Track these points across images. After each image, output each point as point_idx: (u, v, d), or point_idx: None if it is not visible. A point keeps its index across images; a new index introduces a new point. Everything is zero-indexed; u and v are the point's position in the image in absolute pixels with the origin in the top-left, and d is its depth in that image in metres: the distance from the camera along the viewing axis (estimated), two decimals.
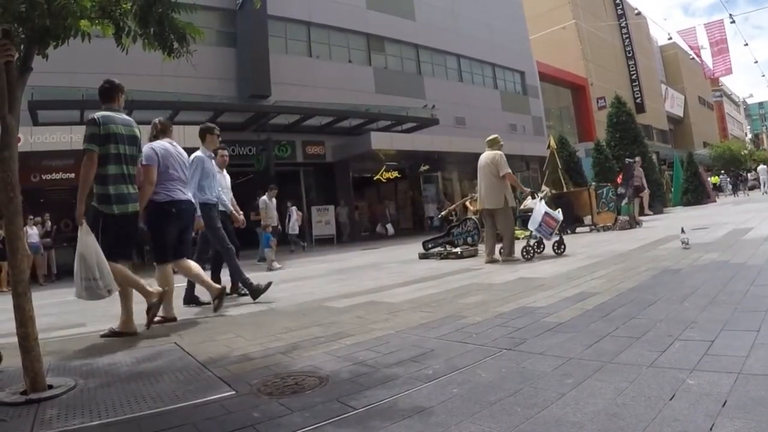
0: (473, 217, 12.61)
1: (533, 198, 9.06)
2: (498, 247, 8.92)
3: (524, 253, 8.47)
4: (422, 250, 11.50)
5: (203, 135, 7.05)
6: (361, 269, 10.04)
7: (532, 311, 4.28)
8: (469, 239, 11.32)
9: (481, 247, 11.27)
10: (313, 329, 4.42)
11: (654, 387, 2.33)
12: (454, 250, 10.60)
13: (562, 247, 8.79)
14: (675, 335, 3.09)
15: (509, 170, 8.77)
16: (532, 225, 8.54)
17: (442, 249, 11.05)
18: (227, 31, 22.96)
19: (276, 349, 3.80)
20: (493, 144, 9.06)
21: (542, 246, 8.84)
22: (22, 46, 3.46)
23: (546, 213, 8.50)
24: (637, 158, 17.41)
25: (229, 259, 6.94)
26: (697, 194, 24.20)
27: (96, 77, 18.30)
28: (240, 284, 7.13)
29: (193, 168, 6.58)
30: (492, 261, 8.67)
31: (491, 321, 4.07)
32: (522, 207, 9.17)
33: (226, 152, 7.77)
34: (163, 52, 3.90)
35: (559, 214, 8.80)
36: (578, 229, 14.31)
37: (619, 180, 16.64)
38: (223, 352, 3.84)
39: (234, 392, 2.87)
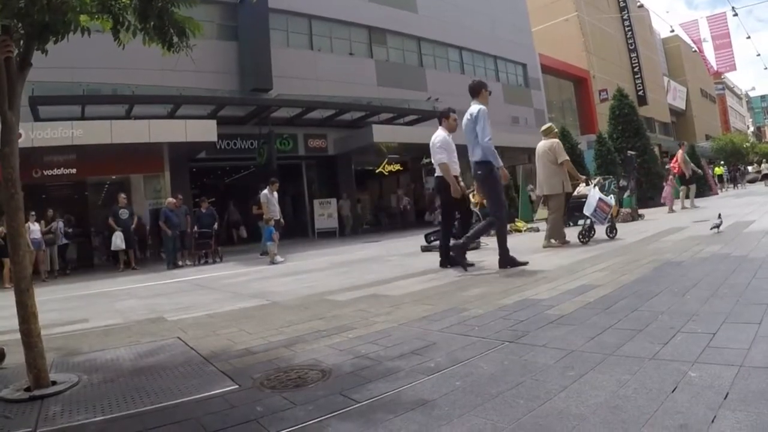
0: (475, 209, 12.59)
1: (587, 185, 9.44)
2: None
3: (580, 237, 8.80)
4: (424, 243, 11.48)
5: (479, 89, 7.01)
6: (363, 262, 10.04)
7: (535, 304, 4.28)
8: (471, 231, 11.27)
9: (485, 240, 11.29)
10: (315, 323, 4.43)
11: (656, 379, 2.33)
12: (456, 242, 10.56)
13: (614, 231, 9.15)
14: (677, 328, 3.09)
15: (567, 158, 9.13)
16: (588, 210, 8.79)
17: None
18: (228, 25, 22.86)
19: (278, 342, 3.81)
20: (548, 133, 9.41)
21: (593, 230, 9.11)
22: (21, 42, 3.46)
23: (600, 199, 8.86)
24: (684, 143, 17.29)
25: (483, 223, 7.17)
26: (699, 187, 24.13)
27: (97, 72, 18.32)
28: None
29: (482, 119, 6.60)
30: (549, 246, 8.86)
31: (493, 313, 4.07)
32: (575, 193, 9.51)
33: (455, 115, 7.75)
34: (163, 46, 3.89)
35: (611, 200, 9.23)
36: (580, 222, 14.27)
37: (674, 167, 16.55)
38: (226, 347, 3.85)
39: (237, 386, 2.88)
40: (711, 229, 7.93)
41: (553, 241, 8.91)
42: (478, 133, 6.61)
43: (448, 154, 7.29)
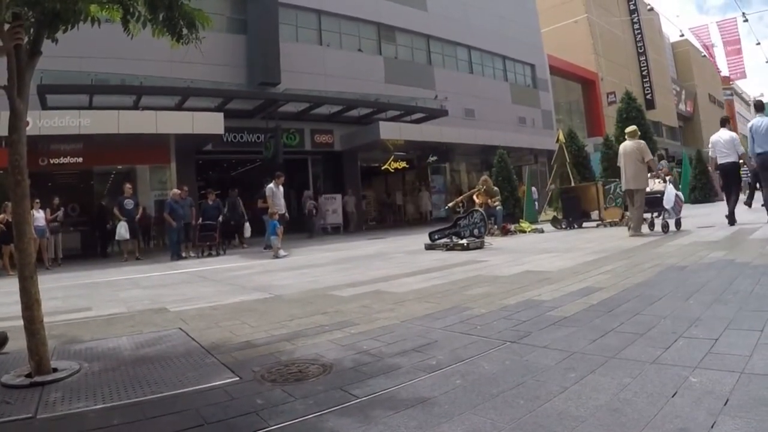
0: (480, 209, 12.58)
1: (664, 182, 10.46)
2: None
3: (663, 228, 9.86)
4: (428, 241, 11.48)
5: (763, 106, 9.80)
6: (367, 259, 10.05)
7: (537, 305, 4.28)
8: (476, 231, 11.27)
9: (488, 239, 11.30)
10: (317, 317, 4.44)
11: (657, 383, 2.33)
12: (461, 241, 10.57)
13: (680, 224, 10.18)
14: (679, 332, 3.08)
15: (652, 157, 10.18)
16: (668, 204, 9.81)
17: (449, 240, 11.02)
18: (237, 18, 22.86)
19: (280, 336, 3.82)
20: (634, 135, 10.34)
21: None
22: (31, 30, 3.47)
23: (676, 194, 9.84)
24: None
25: None
26: (704, 192, 24.00)
27: (106, 62, 18.33)
28: None
29: None
30: (635, 236, 9.62)
31: (496, 313, 4.07)
32: (649, 189, 10.16)
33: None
34: (173, 38, 3.89)
35: (681, 195, 10.48)
36: (585, 224, 14.26)
37: None
38: (227, 339, 3.86)
39: (237, 378, 2.89)
40: None
41: (636, 231, 9.71)
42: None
43: None
